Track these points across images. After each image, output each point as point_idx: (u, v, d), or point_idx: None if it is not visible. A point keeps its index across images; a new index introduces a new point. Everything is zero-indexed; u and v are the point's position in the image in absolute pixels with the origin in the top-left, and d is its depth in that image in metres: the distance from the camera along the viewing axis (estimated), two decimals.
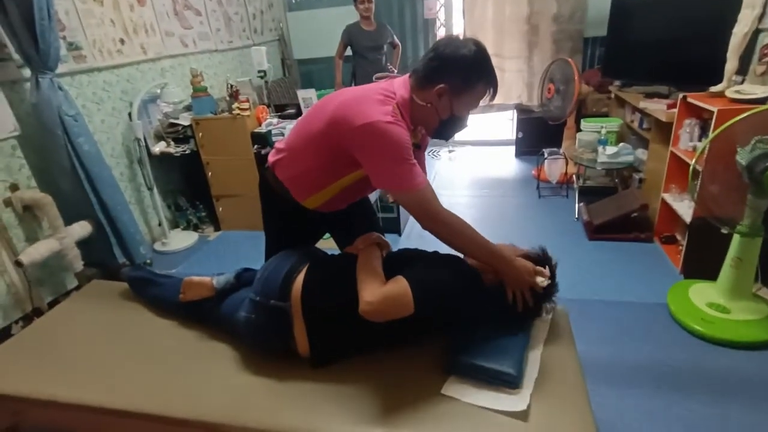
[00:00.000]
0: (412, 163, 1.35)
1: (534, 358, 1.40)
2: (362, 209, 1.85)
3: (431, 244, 1.53)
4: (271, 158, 1.64)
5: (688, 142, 2.69)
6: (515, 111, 5.17)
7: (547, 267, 1.47)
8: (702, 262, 2.52)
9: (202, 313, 1.68)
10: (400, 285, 1.28)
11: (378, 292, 1.27)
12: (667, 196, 2.93)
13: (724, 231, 2.15)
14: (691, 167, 2.18)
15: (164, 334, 1.71)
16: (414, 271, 1.34)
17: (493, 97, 1.47)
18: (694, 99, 2.57)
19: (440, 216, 1.38)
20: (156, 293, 1.86)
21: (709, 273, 2.38)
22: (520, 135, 5.10)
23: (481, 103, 1.48)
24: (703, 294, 2.35)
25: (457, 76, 1.38)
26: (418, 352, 1.46)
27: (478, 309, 1.44)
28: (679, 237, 3.01)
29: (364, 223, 1.80)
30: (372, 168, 1.39)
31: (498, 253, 1.40)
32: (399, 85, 1.45)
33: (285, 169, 1.59)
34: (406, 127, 1.37)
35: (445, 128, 1.50)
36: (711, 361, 2.06)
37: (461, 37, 1.42)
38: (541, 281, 1.42)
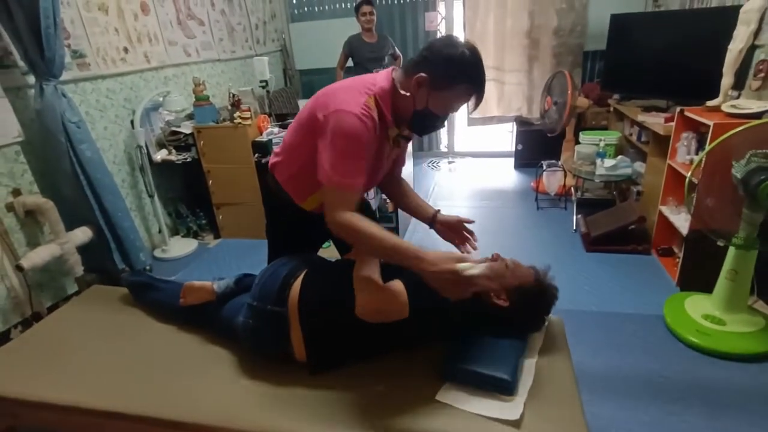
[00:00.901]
0: (360, 161, 1.32)
1: (529, 367, 1.41)
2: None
3: None
4: (271, 161, 1.66)
5: (685, 156, 2.71)
6: (515, 123, 5.21)
7: (537, 281, 1.47)
8: (698, 275, 2.54)
9: (202, 318, 1.69)
10: (396, 287, 1.30)
11: (373, 294, 1.28)
12: (664, 209, 2.95)
13: (720, 244, 2.16)
14: (687, 180, 2.21)
15: (163, 339, 1.73)
16: (410, 275, 1.34)
17: (476, 105, 1.43)
18: (691, 113, 2.60)
19: (344, 220, 1.30)
20: (156, 298, 1.87)
21: (705, 285, 2.39)
22: (520, 147, 5.13)
23: (464, 110, 1.47)
24: (698, 306, 2.36)
25: (440, 71, 1.34)
26: (414, 359, 1.47)
27: (473, 318, 1.45)
28: (676, 249, 3.02)
29: None
30: (321, 154, 1.34)
31: (405, 250, 1.26)
32: (382, 77, 1.43)
33: (283, 169, 1.60)
34: (374, 122, 1.34)
35: (417, 121, 1.44)
36: (706, 372, 2.07)
37: (460, 40, 1.39)
38: (464, 267, 1.21)
